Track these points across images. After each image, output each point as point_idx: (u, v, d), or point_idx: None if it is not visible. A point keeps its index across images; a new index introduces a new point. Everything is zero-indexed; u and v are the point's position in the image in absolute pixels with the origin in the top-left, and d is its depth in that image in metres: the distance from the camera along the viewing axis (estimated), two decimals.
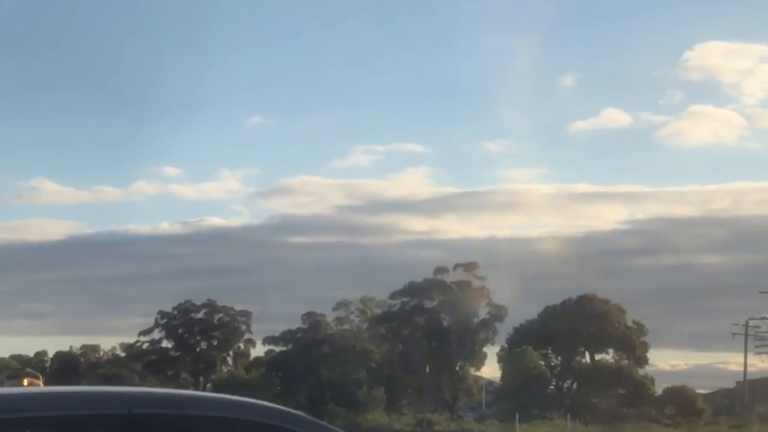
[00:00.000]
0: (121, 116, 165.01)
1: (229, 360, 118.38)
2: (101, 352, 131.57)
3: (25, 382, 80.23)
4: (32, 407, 7.73)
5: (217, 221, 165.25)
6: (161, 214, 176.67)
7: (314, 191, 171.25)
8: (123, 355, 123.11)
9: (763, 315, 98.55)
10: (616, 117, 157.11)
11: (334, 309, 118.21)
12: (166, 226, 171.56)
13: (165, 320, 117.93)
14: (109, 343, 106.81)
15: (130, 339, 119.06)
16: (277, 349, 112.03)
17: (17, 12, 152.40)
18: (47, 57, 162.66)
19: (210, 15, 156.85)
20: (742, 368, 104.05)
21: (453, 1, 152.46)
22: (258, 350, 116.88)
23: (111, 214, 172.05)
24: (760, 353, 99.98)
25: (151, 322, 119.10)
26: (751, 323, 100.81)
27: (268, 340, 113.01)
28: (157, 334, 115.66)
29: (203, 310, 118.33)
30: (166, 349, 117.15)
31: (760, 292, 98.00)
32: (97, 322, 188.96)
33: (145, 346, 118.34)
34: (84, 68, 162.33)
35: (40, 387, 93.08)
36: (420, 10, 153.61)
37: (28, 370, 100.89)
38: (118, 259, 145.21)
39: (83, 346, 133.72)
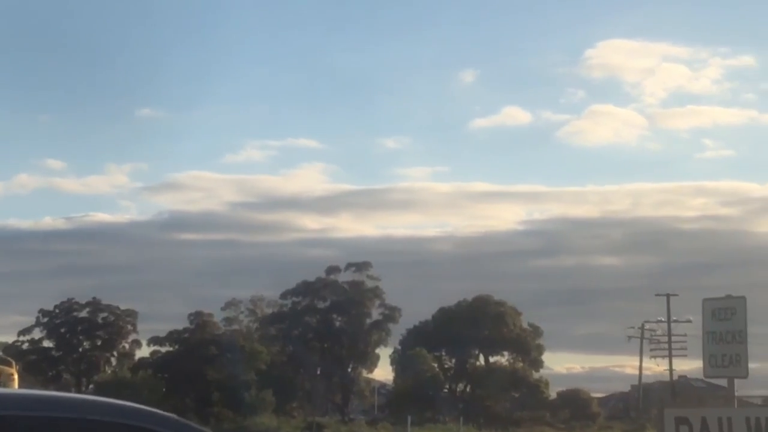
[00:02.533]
0: (1, 106, 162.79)
1: (114, 360, 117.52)
2: None
3: None
4: None
5: (103, 217, 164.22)
6: (44, 209, 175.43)
7: (205, 187, 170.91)
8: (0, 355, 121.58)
9: (658, 318, 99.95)
10: (516, 115, 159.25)
11: (223, 309, 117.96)
12: (48, 221, 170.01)
13: (46, 319, 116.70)
14: None
15: (9, 338, 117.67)
16: (163, 349, 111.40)
17: None
18: None
19: (102, 6, 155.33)
20: (637, 372, 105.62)
21: None
22: (144, 351, 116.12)
23: (5, 209, 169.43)
24: (655, 357, 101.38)
25: (31, 320, 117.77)
26: (647, 326, 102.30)
27: (153, 341, 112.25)
28: (37, 334, 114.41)
29: (87, 309, 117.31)
30: (47, 348, 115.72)
31: (656, 295, 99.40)
32: None
33: (24, 345, 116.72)
34: None
35: None
36: (317, 4, 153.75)
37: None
38: (11, 258, 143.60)
39: None
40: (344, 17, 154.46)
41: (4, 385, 67.92)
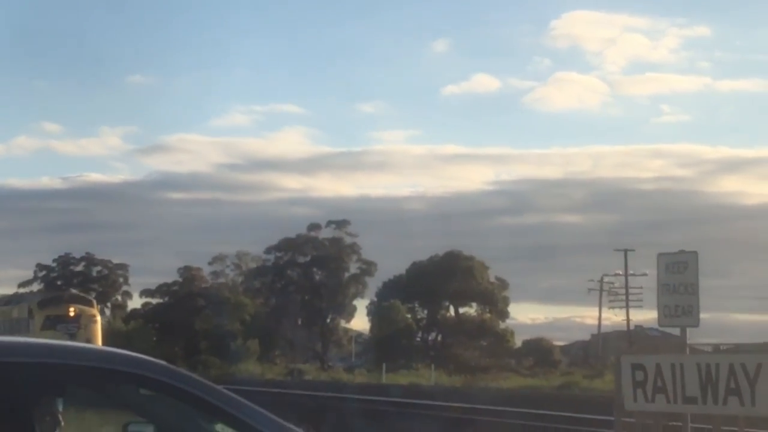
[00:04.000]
0: (1, 72, 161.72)
1: (107, 312, 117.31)
2: None
3: (71, 311, 67.21)
4: None
5: (96, 177, 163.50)
6: (41, 169, 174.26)
7: (193, 149, 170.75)
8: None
9: (616, 272, 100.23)
10: (485, 82, 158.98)
11: (210, 263, 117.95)
12: (46, 181, 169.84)
13: (44, 272, 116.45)
14: None
15: (9, 291, 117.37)
16: (154, 301, 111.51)
17: None
18: None
19: None
20: (596, 322, 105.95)
21: None
22: (135, 302, 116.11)
23: (4, 169, 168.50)
24: (613, 308, 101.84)
25: (30, 274, 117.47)
26: (606, 279, 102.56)
27: (145, 293, 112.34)
28: (35, 287, 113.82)
29: (82, 263, 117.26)
30: None
31: (615, 250, 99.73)
32: None
33: None
34: None
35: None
36: None
37: (73, 291, 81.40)
38: (9, 215, 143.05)
39: None
40: None
41: (87, 327, 65.28)
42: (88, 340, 60.61)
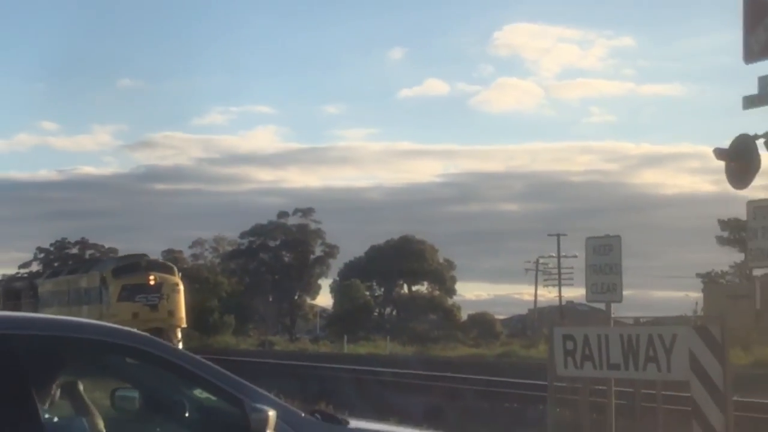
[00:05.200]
0: (5, 75, 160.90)
1: None
2: None
3: (152, 279, 53.25)
4: None
5: (89, 170, 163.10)
6: (40, 163, 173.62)
7: (176, 145, 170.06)
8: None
9: (550, 254, 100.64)
10: (436, 86, 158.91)
11: (191, 247, 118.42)
12: (44, 173, 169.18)
13: (42, 255, 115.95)
14: None
15: (11, 271, 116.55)
16: None
17: None
18: None
19: None
20: (533, 298, 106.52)
21: None
22: None
23: (6, 163, 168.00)
24: (547, 286, 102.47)
25: (29, 256, 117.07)
26: (541, 261, 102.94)
27: None
28: (35, 267, 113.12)
29: (77, 247, 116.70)
30: None
31: (549, 235, 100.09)
32: None
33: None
34: None
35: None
36: None
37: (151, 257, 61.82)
38: (5, 203, 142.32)
39: None
40: (296, 4, 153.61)
41: (169, 296, 53.39)
42: (171, 312, 53.03)
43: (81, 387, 7.24)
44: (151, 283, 52.73)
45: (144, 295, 52.15)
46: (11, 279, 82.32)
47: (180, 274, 57.31)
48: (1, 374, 6.68)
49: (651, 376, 14.62)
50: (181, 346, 49.64)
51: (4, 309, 62.65)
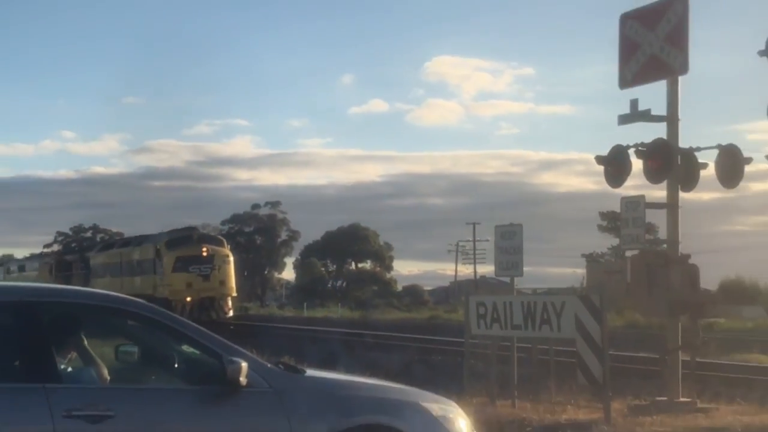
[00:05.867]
0: (30, 91, 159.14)
1: None
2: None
3: (204, 251, 46.46)
4: None
5: (100, 169, 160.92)
6: (60, 164, 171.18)
7: (170, 150, 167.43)
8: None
9: (468, 239, 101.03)
10: (379, 105, 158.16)
11: None
12: (63, 172, 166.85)
13: (62, 237, 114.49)
14: (21, 253, 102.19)
15: (37, 250, 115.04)
16: None
17: None
18: None
19: (94, 7, 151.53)
20: (454, 273, 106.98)
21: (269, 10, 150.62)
22: None
23: (24, 163, 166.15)
24: (465, 263, 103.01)
25: (51, 239, 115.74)
26: (460, 243, 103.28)
27: None
28: (56, 247, 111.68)
29: (90, 231, 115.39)
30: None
31: (467, 223, 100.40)
32: (13, 239, 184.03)
33: None
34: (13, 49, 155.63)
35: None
36: (240, 11, 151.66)
37: (202, 231, 58.45)
38: (29, 195, 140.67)
39: (3, 255, 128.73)
40: (268, 38, 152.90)
41: (221, 267, 46.62)
42: (222, 282, 46.54)
43: (86, 343, 7.15)
44: (204, 254, 46.29)
45: (197, 266, 45.90)
46: (62, 252, 76.12)
47: (229, 246, 50.85)
48: (27, 334, 6.67)
49: (545, 335, 14.73)
50: (231, 313, 47.21)
51: (56, 279, 58.58)
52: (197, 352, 7.04)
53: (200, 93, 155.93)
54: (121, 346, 7.09)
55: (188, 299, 45.12)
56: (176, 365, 7.12)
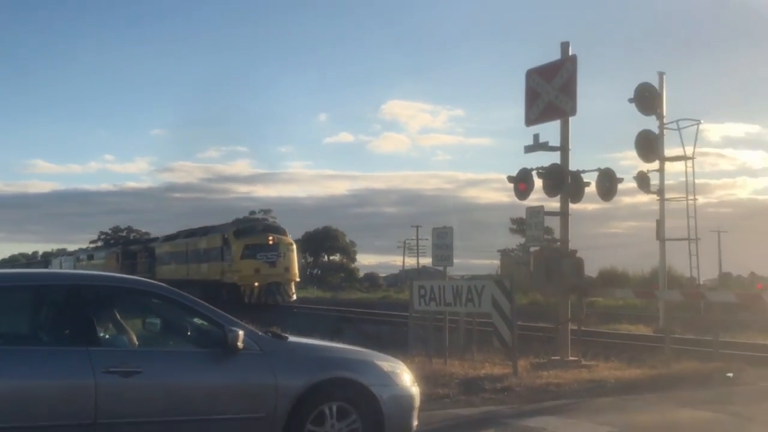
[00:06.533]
0: (79, 123, 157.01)
1: None
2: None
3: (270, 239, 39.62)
4: (18, 278, 7.38)
5: (133, 184, 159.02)
6: (102, 180, 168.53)
7: (186, 170, 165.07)
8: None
9: (412, 238, 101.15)
10: (346, 137, 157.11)
11: None
12: (106, 186, 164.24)
13: (104, 236, 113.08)
14: (72, 247, 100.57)
15: (84, 246, 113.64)
16: None
17: None
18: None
19: (135, 58, 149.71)
20: (402, 264, 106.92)
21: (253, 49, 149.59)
22: None
23: (75, 179, 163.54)
24: (410, 256, 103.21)
25: (95, 236, 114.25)
26: (408, 241, 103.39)
27: None
28: (100, 243, 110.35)
29: (125, 231, 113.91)
30: None
31: (412, 226, 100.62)
32: (65, 237, 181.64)
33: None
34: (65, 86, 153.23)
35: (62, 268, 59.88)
36: (244, 66, 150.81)
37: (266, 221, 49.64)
38: (78, 203, 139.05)
39: (58, 249, 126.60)
40: (259, 85, 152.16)
41: (285, 255, 39.92)
42: (287, 268, 39.85)
43: (119, 316, 7.08)
44: (270, 242, 39.55)
45: (264, 254, 39.11)
46: (128, 243, 67.10)
47: (290, 235, 42.76)
48: (76, 309, 6.60)
49: (469, 310, 14.77)
50: (294, 297, 40.56)
51: (122, 267, 54.06)
52: (205, 323, 6.99)
53: (210, 126, 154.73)
54: (147, 319, 7.03)
55: (256, 284, 39.05)
56: (189, 333, 7.06)
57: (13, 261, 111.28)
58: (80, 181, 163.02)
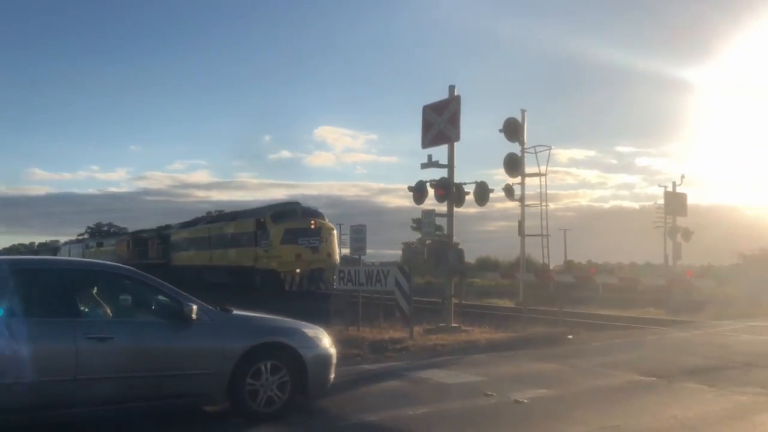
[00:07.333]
0: (71, 139, 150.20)
1: None
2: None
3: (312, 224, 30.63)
4: (27, 264, 7.07)
5: (114, 189, 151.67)
6: (89, 186, 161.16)
7: (157, 178, 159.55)
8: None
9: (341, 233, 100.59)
10: (286, 154, 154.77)
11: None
12: (92, 191, 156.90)
13: (89, 230, 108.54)
14: (63, 239, 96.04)
15: (72, 237, 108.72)
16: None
17: None
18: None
19: (132, 75, 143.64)
20: None
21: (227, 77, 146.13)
22: None
23: (66, 184, 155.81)
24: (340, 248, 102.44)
25: (83, 230, 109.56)
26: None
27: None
28: (86, 236, 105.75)
29: (107, 227, 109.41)
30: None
31: (336, 224, 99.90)
32: (57, 230, 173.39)
33: None
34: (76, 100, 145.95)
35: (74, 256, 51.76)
36: (199, 93, 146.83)
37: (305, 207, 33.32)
38: (68, 204, 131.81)
39: (50, 240, 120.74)
40: (214, 109, 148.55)
41: (327, 240, 30.95)
42: (330, 254, 31.07)
43: (96, 293, 6.86)
44: (312, 227, 30.45)
45: (306, 239, 30.11)
46: (138, 232, 55.23)
47: (327, 220, 32.22)
48: (63, 288, 6.41)
49: (378, 289, 14.82)
50: (336, 285, 32.92)
51: (132, 253, 47.42)
52: (167, 299, 6.84)
53: (176, 143, 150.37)
54: (120, 296, 6.85)
55: (297, 271, 30.74)
56: (153, 307, 6.89)
57: (12, 250, 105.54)
58: (70, 186, 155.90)
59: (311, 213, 31.92)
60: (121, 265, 7.46)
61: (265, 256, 30.89)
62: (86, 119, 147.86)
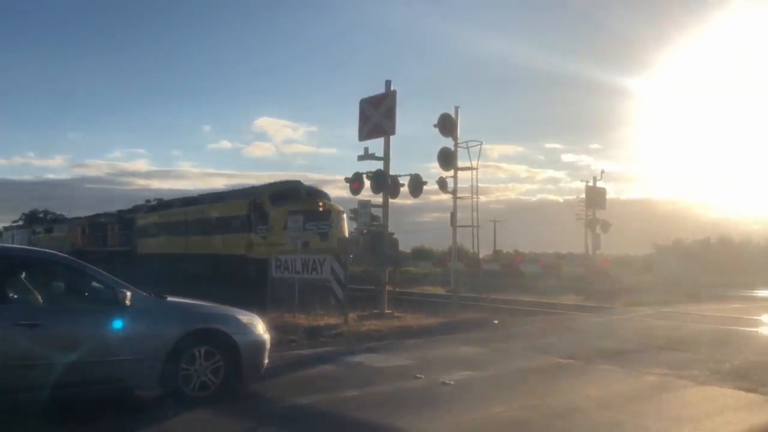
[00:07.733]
0: (8, 125, 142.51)
1: None
2: None
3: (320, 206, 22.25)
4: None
5: (52, 176, 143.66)
6: (26, 173, 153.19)
7: (97, 166, 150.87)
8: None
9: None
10: (226, 144, 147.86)
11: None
12: (27, 177, 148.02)
13: (24, 216, 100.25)
14: (1, 225, 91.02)
15: (6, 224, 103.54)
16: None
17: None
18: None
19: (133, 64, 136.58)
20: None
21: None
22: None
23: (2, 171, 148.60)
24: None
25: (17, 216, 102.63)
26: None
27: None
28: (21, 223, 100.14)
29: (42, 213, 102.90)
30: None
31: None
32: None
33: None
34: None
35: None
36: (148, 84, 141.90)
37: (315, 189, 24.74)
38: (5, 191, 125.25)
39: None
40: (161, 100, 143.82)
41: (337, 224, 23.71)
42: (341, 240, 21.02)
43: (25, 280, 6.63)
44: (321, 209, 23.41)
45: (313, 223, 22.18)
46: (95, 216, 46.05)
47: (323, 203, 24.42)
48: None
49: (314, 277, 14.76)
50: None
51: (89, 239, 40.28)
52: (101, 285, 6.66)
53: (116, 132, 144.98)
54: (53, 283, 6.65)
55: None
56: (86, 294, 6.71)
57: None
58: (6, 173, 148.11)
59: (316, 193, 25.10)
60: (54, 252, 7.20)
61: (263, 243, 23.66)
62: (22, 105, 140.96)
